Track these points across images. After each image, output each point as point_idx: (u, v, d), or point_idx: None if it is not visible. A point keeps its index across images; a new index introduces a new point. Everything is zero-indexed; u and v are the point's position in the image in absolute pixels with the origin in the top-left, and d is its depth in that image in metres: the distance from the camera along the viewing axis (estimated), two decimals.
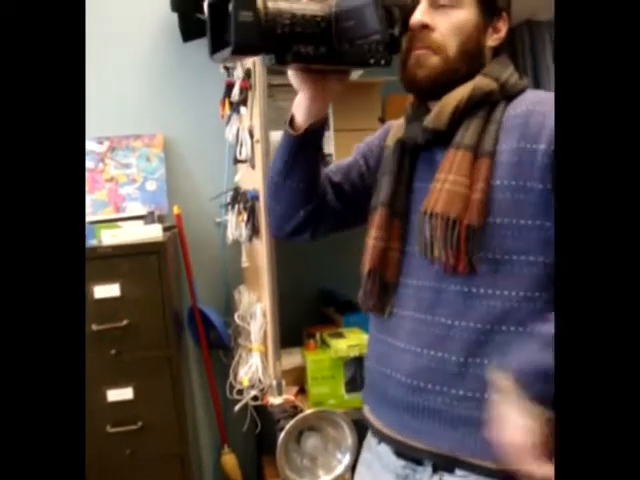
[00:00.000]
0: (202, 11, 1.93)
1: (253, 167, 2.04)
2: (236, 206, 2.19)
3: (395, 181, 1.19)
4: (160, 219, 2.31)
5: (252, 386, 2.07)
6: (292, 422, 1.87)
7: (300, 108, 1.16)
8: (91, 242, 2.04)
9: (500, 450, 0.97)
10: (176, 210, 2.37)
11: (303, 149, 1.19)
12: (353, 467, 1.78)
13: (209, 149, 2.49)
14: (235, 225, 2.21)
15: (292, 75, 1.14)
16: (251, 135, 2.03)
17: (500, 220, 1.07)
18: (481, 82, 1.11)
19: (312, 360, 2.03)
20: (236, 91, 2.07)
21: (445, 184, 1.08)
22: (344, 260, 1.90)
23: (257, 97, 1.94)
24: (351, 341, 2.02)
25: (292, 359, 2.11)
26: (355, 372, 2.01)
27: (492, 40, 1.16)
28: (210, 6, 1.04)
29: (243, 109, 2.08)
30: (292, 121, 1.18)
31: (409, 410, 1.15)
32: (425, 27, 1.11)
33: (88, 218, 2.20)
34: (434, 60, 1.11)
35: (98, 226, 2.10)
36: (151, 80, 2.45)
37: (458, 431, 1.10)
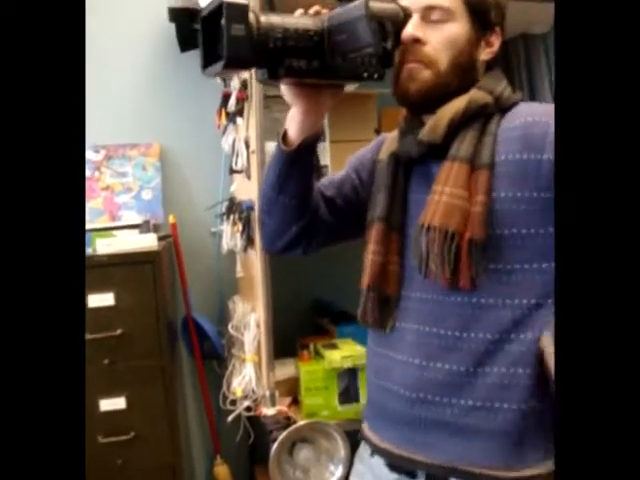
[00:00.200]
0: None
1: (249, 177, 2.04)
2: (231, 216, 2.19)
3: (390, 195, 1.19)
4: (155, 228, 2.31)
5: (245, 396, 2.07)
6: (285, 433, 1.86)
7: (293, 123, 1.15)
8: (86, 251, 2.04)
9: None
10: (171, 219, 2.37)
11: (296, 164, 1.17)
12: (346, 479, 1.78)
13: (205, 159, 2.49)
14: (230, 235, 2.21)
15: (285, 90, 1.13)
16: (247, 146, 2.04)
17: (503, 231, 1.08)
18: (476, 95, 1.12)
19: (306, 371, 2.02)
20: (232, 102, 2.08)
21: (442, 196, 1.08)
22: (339, 271, 1.91)
23: (253, 108, 1.94)
24: (345, 352, 2.01)
25: (286, 370, 2.10)
26: (349, 383, 2.01)
27: (485, 54, 1.16)
28: (202, 19, 1.04)
29: (239, 120, 2.08)
30: (285, 136, 1.17)
31: (414, 424, 1.14)
32: (417, 41, 1.11)
33: None
34: (426, 74, 1.11)
35: (93, 235, 2.09)
36: (148, 89, 2.46)
37: (465, 441, 1.10)
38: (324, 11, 1.09)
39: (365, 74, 1.04)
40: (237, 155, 2.10)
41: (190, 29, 2.23)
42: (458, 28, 1.12)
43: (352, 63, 1.03)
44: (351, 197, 1.28)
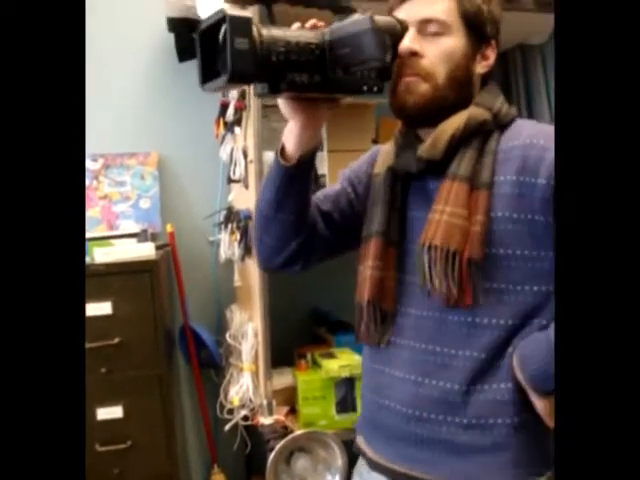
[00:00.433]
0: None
1: (247, 187, 2.05)
2: (229, 225, 2.20)
3: (388, 210, 1.18)
4: (153, 237, 2.31)
5: (243, 406, 2.07)
6: (282, 442, 1.86)
7: (291, 137, 1.14)
8: (85, 260, 2.04)
9: None
10: (169, 228, 2.37)
11: (296, 179, 1.16)
12: None
13: (203, 168, 2.49)
14: (228, 244, 2.22)
15: (283, 104, 1.12)
16: (245, 155, 2.04)
17: (501, 251, 1.08)
18: (475, 112, 1.12)
19: (303, 380, 2.02)
20: (231, 111, 2.09)
21: (443, 216, 1.08)
22: (336, 280, 1.91)
23: (251, 117, 1.95)
24: (342, 361, 2.02)
25: (283, 379, 2.10)
26: (346, 393, 2.01)
27: (481, 67, 1.16)
28: (200, 34, 1.03)
29: (237, 129, 2.09)
30: (283, 151, 1.16)
31: (410, 441, 1.14)
32: (414, 54, 1.10)
33: None
34: (423, 87, 1.10)
35: (91, 244, 2.09)
36: (147, 99, 2.46)
37: (465, 459, 1.10)
38: (321, 24, 1.09)
39: (365, 87, 1.04)
40: (235, 164, 2.10)
41: (189, 39, 2.24)
42: (454, 41, 1.12)
43: (352, 77, 1.03)
44: (347, 211, 1.28)
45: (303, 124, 1.13)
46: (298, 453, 1.96)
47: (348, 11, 1.09)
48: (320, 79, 1.05)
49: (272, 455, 1.86)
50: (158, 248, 2.19)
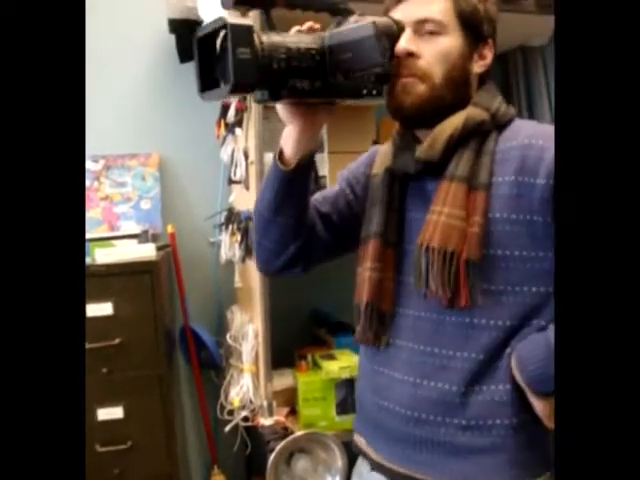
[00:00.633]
0: None
1: (247, 188, 2.05)
2: (230, 226, 2.20)
3: (386, 211, 1.18)
4: (154, 238, 2.31)
5: (243, 407, 2.07)
6: (282, 443, 1.86)
7: (289, 141, 1.14)
8: (85, 260, 2.04)
9: None
10: (170, 229, 2.37)
11: (294, 183, 1.16)
12: None
13: (204, 169, 2.50)
14: (229, 245, 2.22)
15: (281, 109, 1.12)
16: (246, 156, 2.04)
17: (499, 252, 1.08)
18: (473, 112, 1.11)
19: (303, 381, 2.03)
20: (232, 112, 2.09)
21: (441, 217, 1.08)
22: (336, 282, 1.91)
23: (252, 119, 1.95)
24: (343, 363, 2.02)
25: (283, 380, 2.10)
26: (346, 394, 2.01)
27: (478, 67, 1.15)
28: (198, 41, 1.02)
29: (238, 130, 2.09)
30: (281, 155, 1.16)
31: (409, 442, 1.14)
32: (411, 55, 1.10)
33: None
34: (421, 88, 1.10)
35: (92, 244, 2.09)
36: (148, 100, 2.47)
37: (463, 460, 1.10)
38: (317, 26, 1.09)
39: (364, 91, 1.03)
40: (236, 165, 2.10)
41: (190, 40, 2.24)
42: (451, 41, 1.11)
43: (352, 81, 1.03)
44: (346, 212, 1.27)
45: (302, 128, 1.13)
46: (298, 454, 1.96)
47: (346, 13, 1.09)
48: (320, 84, 1.04)
49: (272, 456, 1.86)
50: (159, 249, 2.19)
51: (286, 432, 1.94)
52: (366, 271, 1.18)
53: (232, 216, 2.21)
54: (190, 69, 2.28)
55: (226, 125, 2.15)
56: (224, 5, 1.08)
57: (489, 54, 1.16)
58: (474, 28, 1.13)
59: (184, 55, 2.33)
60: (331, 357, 2.09)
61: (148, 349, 2.01)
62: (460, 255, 1.06)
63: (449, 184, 1.09)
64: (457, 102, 1.12)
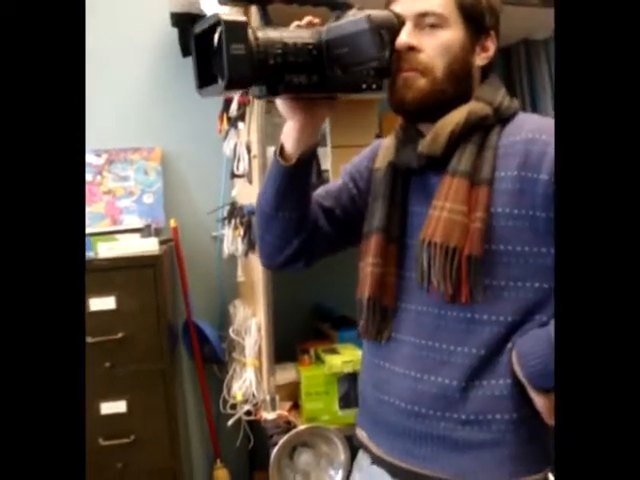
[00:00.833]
0: None
1: (250, 182, 2.05)
2: (233, 221, 2.20)
3: (389, 205, 1.18)
4: (157, 232, 2.31)
5: (246, 401, 2.07)
6: (285, 437, 1.87)
7: (290, 137, 1.14)
8: (88, 254, 2.04)
9: None
10: (173, 223, 2.37)
11: (296, 179, 1.16)
12: None
13: (207, 163, 2.50)
14: (231, 239, 2.22)
15: (281, 104, 1.12)
16: (248, 150, 2.04)
17: (501, 247, 1.07)
18: (475, 106, 1.11)
19: (306, 376, 2.03)
20: (234, 106, 2.09)
21: (443, 212, 1.08)
22: (339, 276, 1.91)
23: (255, 113, 1.95)
24: (345, 357, 2.02)
25: (286, 374, 2.10)
26: (349, 388, 2.01)
27: (480, 59, 1.14)
28: (195, 37, 1.02)
29: (241, 124, 2.09)
30: (282, 151, 1.15)
31: (409, 436, 1.15)
32: (412, 48, 1.09)
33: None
34: (422, 82, 1.09)
35: (95, 239, 2.10)
36: (150, 94, 2.46)
37: (463, 455, 1.10)
38: (316, 20, 1.09)
39: (364, 85, 1.03)
40: (239, 159, 2.10)
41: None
42: (452, 34, 1.10)
43: (351, 75, 1.02)
44: (349, 207, 1.27)
45: (302, 123, 1.12)
46: (301, 448, 1.96)
47: (345, 7, 1.08)
48: (318, 79, 1.04)
49: (275, 450, 1.86)
50: (162, 243, 2.19)
51: (289, 426, 1.94)
52: (368, 266, 1.17)
53: (235, 210, 2.21)
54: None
55: (229, 119, 2.15)
56: (221, 1, 1.07)
57: (492, 46, 1.15)
58: (476, 20, 1.12)
59: (186, 49, 2.32)
60: (334, 351, 2.09)
61: (151, 343, 2.01)
62: (462, 251, 1.06)
63: (451, 179, 1.09)
64: (459, 95, 1.11)
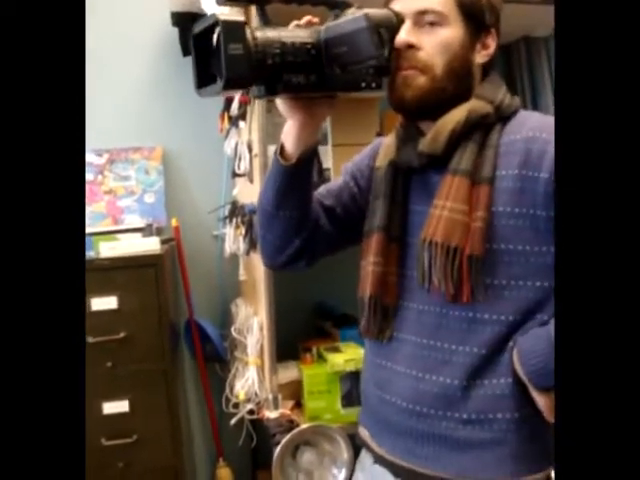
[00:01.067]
0: None
1: (251, 181, 2.05)
2: (234, 219, 2.20)
3: (390, 204, 1.18)
4: (158, 231, 2.31)
5: (248, 400, 2.07)
6: (288, 436, 1.87)
7: (290, 136, 1.13)
8: (89, 254, 2.04)
9: None
10: (174, 223, 2.37)
11: (296, 178, 1.15)
12: None
13: (208, 163, 2.50)
14: (233, 238, 2.22)
15: (281, 103, 1.11)
16: (249, 149, 2.04)
17: (502, 246, 1.07)
18: (476, 105, 1.10)
19: (308, 374, 2.03)
20: (235, 105, 2.08)
21: (444, 211, 1.07)
22: (341, 274, 1.91)
23: (256, 112, 1.95)
24: (348, 355, 2.02)
25: (288, 373, 2.10)
26: (351, 387, 2.01)
27: (481, 57, 1.14)
28: (194, 37, 1.02)
29: (242, 123, 2.09)
30: (282, 150, 1.15)
31: (411, 436, 1.15)
32: (411, 46, 1.08)
33: (86, 230, 2.20)
34: (422, 80, 1.09)
35: (96, 238, 2.10)
36: (151, 93, 2.46)
37: (464, 454, 1.10)
38: (315, 20, 1.08)
39: (363, 84, 1.03)
40: (240, 158, 2.10)
41: None
42: (452, 32, 1.10)
43: (350, 74, 1.02)
44: (350, 205, 1.27)
45: (302, 123, 1.12)
46: (304, 447, 1.96)
47: (344, 6, 1.08)
48: (316, 78, 1.04)
49: (278, 449, 1.86)
50: (163, 242, 2.19)
51: (291, 425, 1.94)
52: (369, 265, 1.17)
53: (236, 209, 2.21)
54: None
55: (230, 118, 2.15)
56: (219, 2, 1.07)
57: (492, 43, 1.14)
58: (476, 17, 1.11)
59: (187, 48, 2.32)
60: (336, 350, 2.09)
61: (153, 343, 2.01)
62: (463, 250, 1.05)
63: (452, 178, 1.09)
64: (459, 93, 1.11)
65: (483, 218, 1.06)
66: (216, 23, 0.95)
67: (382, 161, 1.22)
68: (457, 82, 1.11)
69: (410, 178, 1.19)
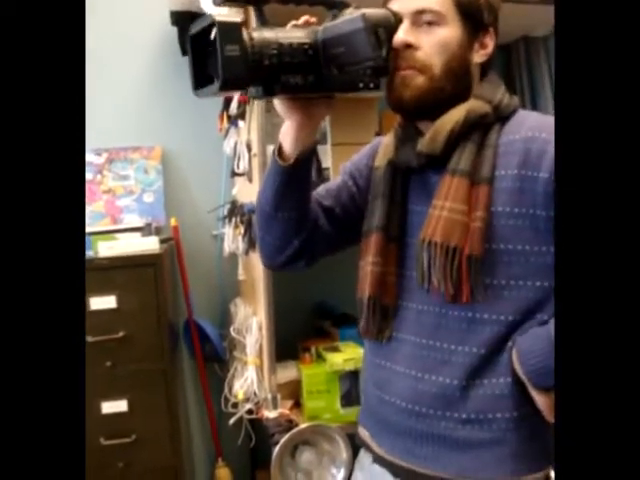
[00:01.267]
0: None
1: (250, 180, 2.05)
2: (233, 219, 2.20)
3: (388, 204, 1.17)
4: (157, 231, 2.31)
5: (247, 399, 2.07)
6: (287, 436, 1.87)
7: (288, 137, 1.13)
8: (88, 254, 2.04)
9: None
10: (173, 222, 2.37)
11: (294, 178, 1.15)
12: None
13: (207, 162, 2.50)
14: (232, 238, 2.22)
15: (278, 104, 1.11)
16: (249, 149, 2.04)
17: (502, 246, 1.07)
18: (475, 105, 1.10)
19: (307, 374, 2.03)
20: (234, 105, 2.09)
21: (443, 211, 1.07)
22: (340, 274, 1.91)
23: (255, 111, 1.95)
24: (347, 355, 2.02)
25: (287, 373, 2.10)
26: (350, 386, 2.01)
27: (479, 56, 1.13)
28: (191, 38, 1.02)
29: (241, 123, 2.09)
30: (280, 150, 1.15)
31: (410, 436, 1.14)
32: (409, 46, 1.08)
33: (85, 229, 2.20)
34: (420, 80, 1.08)
35: (95, 237, 2.10)
36: (150, 93, 2.46)
37: (464, 454, 1.10)
38: (313, 19, 1.08)
39: (361, 84, 1.02)
40: (239, 158, 2.10)
41: None
42: (450, 31, 1.09)
43: (348, 75, 1.02)
44: (349, 205, 1.27)
45: (299, 123, 1.12)
46: (303, 447, 1.96)
47: (341, 6, 1.08)
48: (314, 79, 1.03)
49: (277, 449, 1.86)
50: (162, 242, 2.19)
51: (290, 425, 1.94)
52: (368, 265, 1.17)
53: (235, 209, 2.20)
54: None
55: (229, 118, 2.15)
56: (215, 2, 1.07)
57: (490, 43, 1.14)
58: (474, 17, 1.11)
59: (186, 48, 2.32)
60: (335, 349, 2.09)
61: (152, 342, 2.01)
62: (462, 251, 1.05)
63: (451, 178, 1.08)
64: (458, 93, 1.11)
65: (482, 218, 1.06)
66: (212, 24, 0.95)
67: (381, 161, 1.22)
68: (455, 82, 1.10)
69: (409, 178, 1.19)
